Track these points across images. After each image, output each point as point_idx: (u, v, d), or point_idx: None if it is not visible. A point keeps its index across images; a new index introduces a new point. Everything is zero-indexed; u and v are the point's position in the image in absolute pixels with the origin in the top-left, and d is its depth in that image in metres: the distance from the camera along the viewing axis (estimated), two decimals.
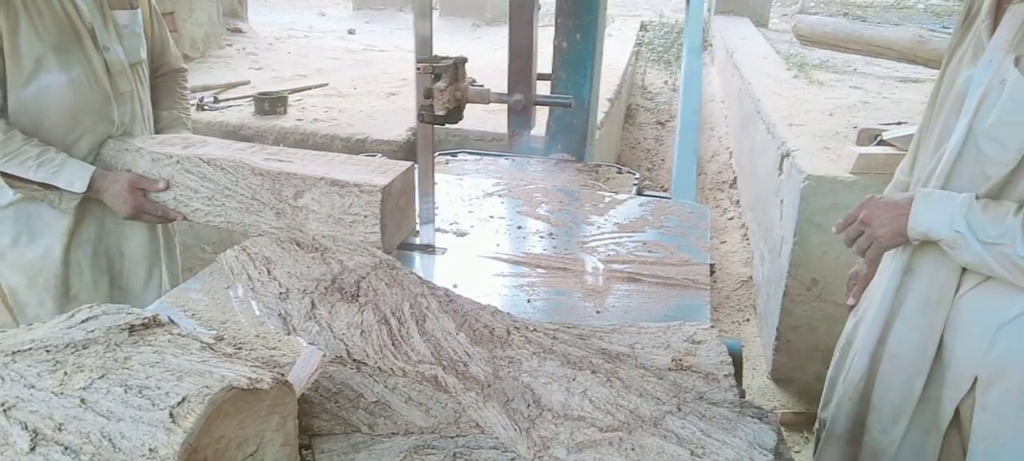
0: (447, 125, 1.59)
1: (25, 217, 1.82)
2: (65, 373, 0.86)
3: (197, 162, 1.69)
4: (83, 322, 0.95)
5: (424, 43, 1.55)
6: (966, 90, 1.34)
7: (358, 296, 1.16)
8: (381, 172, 1.61)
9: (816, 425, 1.81)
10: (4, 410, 0.84)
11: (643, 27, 9.45)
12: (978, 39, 1.35)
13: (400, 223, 1.65)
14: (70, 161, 1.73)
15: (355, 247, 1.35)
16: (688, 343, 1.08)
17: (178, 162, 1.72)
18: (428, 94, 1.52)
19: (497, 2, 8.04)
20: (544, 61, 2.39)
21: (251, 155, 1.71)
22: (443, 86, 1.51)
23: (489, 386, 1.00)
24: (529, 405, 0.96)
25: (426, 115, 1.55)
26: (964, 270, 1.36)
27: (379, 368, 1.09)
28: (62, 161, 1.72)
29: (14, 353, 0.92)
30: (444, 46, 1.58)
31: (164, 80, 2.12)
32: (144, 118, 1.97)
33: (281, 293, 1.22)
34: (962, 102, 1.35)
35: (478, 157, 2.41)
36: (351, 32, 6.99)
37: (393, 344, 1.09)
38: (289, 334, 1.20)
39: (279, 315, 1.20)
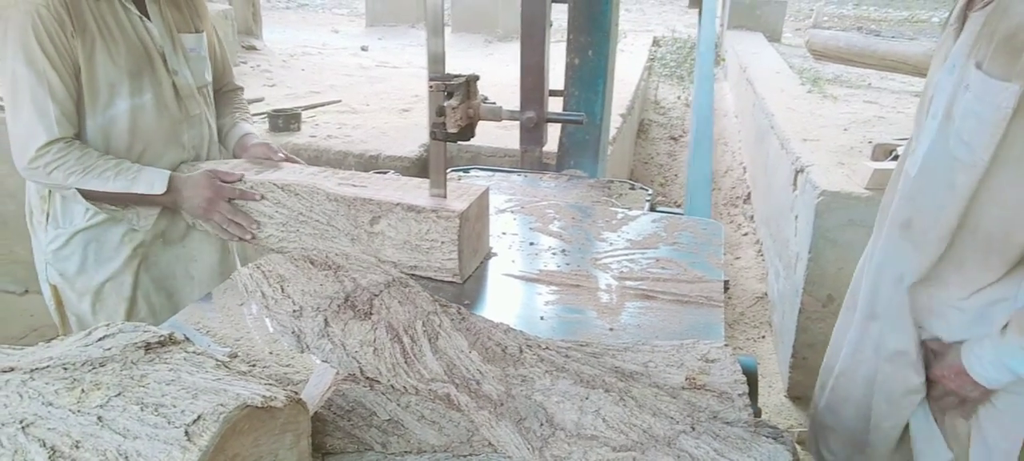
0: (459, 142, 1.60)
1: (94, 243, 1.83)
2: (82, 391, 0.87)
3: (271, 187, 1.69)
4: (100, 340, 0.96)
5: (437, 60, 1.56)
6: (933, 93, 1.40)
7: (371, 314, 1.17)
8: (457, 197, 1.60)
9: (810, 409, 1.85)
10: (23, 427, 0.85)
11: (656, 42, 9.48)
12: (947, 42, 1.40)
13: (475, 248, 1.64)
14: (146, 168, 1.74)
15: (369, 265, 1.35)
16: (702, 361, 1.08)
17: (252, 188, 1.71)
18: (440, 112, 1.53)
19: (509, 18, 8.09)
20: (556, 77, 2.40)
21: (324, 180, 1.70)
22: (455, 104, 1.52)
23: (502, 405, 1.00)
24: (542, 424, 0.96)
25: (438, 133, 1.56)
26: None
27: (392, 386, 1.09)
28: (139, 169, 1.73)
29: (33, 370, 0.93)
30: (456, 62, 1.59)
31: (223, 96, 2.15)
32: (212, 141, 1.99)
33: (295, 311, 1.23)
34: (928, 103, 1.41)
35: (490, 173, 2.42)
36: (364, 49, 7.05)
37: (406, 362, 1.09)
38: (303, 352, 1.20)
39: (293, 333, 1.20)
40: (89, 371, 0.90)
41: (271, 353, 1.31)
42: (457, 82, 1.54)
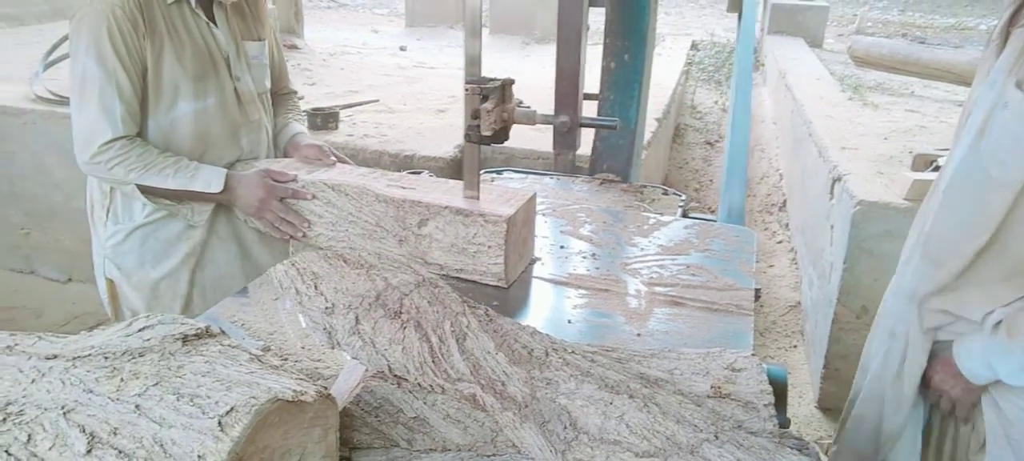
0: (492, 145, 1.62)
1: (152, 239, 1.88)
2: (121, 379, 0.90)
3: (321, 187, 1.72)
4: (140, 331, 0.99)
5: (473, 63, 1.57)
6: (972, 108, 1.37)
7: (401, 313, 1.19)
8: (504, 201, 1.61)
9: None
10: (64, 413, 0.88)
11: (694, 46, 9.39)
12: (990, 58, 1.38)
13: (521, 253, 1.65)
14: (204, 167, 1.79)
15: (399, 264, 1.38)
16: (728, 370, 1.08)
17: (303, 187, 1.75)
18: (475, 115, 1.54)
19: (547, 20, 8.08)
20: (592, 80, 2.40)
21: (373, 181, 1.73)
22: (490, 107, 1.53)
23: (526, 407, 1.01)
24: (566, 427, 0.96)
25: (473, 135, 1.58)
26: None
27: (419, 385, 1.11)
28: (197, 167, 1.78)
29: (75, 358, 0.96)
30: (493, 64, 1.60)
31: (278, 98, 2.20)
32: (269, 145, 2.04)
33: (327, 308, 1.25)
34: (966, 116, 1.40)
35: (523, 176, 2.43)
36: (403, 49, 7.11)
37: (433, 361, 1.11)
38: (334, 348, 1.22)
39: (324, 329, 1.23)
40: (128, 361, 0.93)
41: (303, 348, 1.34)
42: (492, 86, 1.55)
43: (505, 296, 1.56)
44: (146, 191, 1.76)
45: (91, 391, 0.90)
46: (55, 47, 4.23)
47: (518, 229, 1.58)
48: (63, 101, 3.63)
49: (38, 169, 3.71)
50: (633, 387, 1.00)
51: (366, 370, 1.16)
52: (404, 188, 1.68)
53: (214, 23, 1.82)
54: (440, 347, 1.12)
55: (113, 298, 1.96)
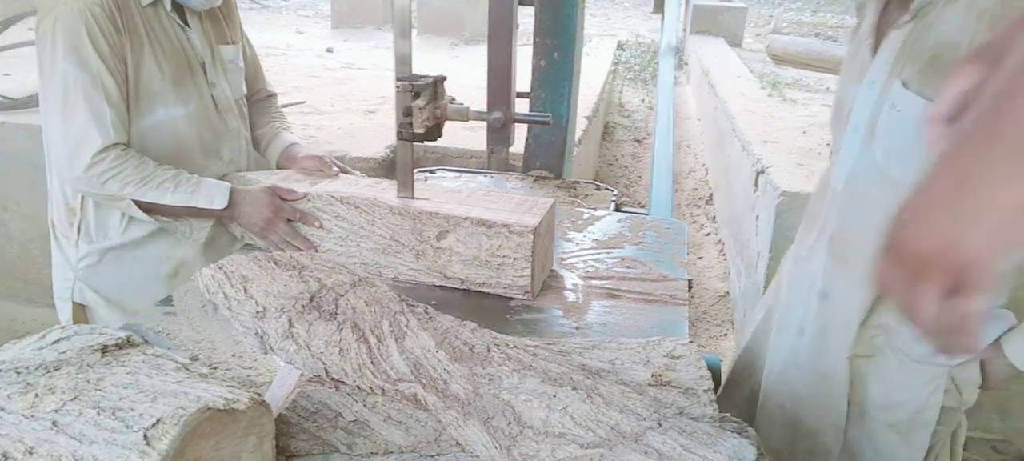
0: (426, 142, 1.59)
1: (132, 258, 1.75)
2: (36, 395, 0.84)
3: (329, 200, 1.62)
4: (55, 342, 0.93)
5: (404, 61, 1.55)
6: (851, 106, 1.36)
7: (336, 314, 1.15)
8: (526, 211, 1.55)
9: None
10: None
11: (620, 46, 9.55)
12: (862, 57, 1.36)
13: (544, 263, 1.58)
14: (205, 180, 1.67)
15: (333, 265, 1.33)
16: (668, 358, 1.09)
17: (309, 200, 1.64)
18: (407, 112, 1.52)
19: (475, 22, 8.08)
20: (522, 79, 2.40)
21: (383, 192, 1.65)
22: (422, 104, 1.51)
23: (469, 404, 1.00)
24: (510, 422, 0.95)
25: (405, 133, 1.55)
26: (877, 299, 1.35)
27: (358, 387, 1.08)
28: (198, 181, 1.66)
29: None
30: (423, 65, 1.58)
31: (258, 104, 2.09)
32: (248, 154, 1.94)
33: (258, 312, 1.20)
34: (845, 117, 1.38)
35: (457, 174, 2.41)
36: (329, 50, 6.97)
37: (372, 362, 1.08)
38: (266, 353, 1.18)
39: (256, 334, 1.18)
40: (43, 375, 0.87)
41: (233, 355, 1.29)
42: (424, 83, 1.53)
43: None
44: (142, 207, 1.64)
45: (2, 409, 0.84)
46: None
47: (542, 239, 1.52)
48: None
49: None
50: (576, 379, 1.00)
51: (302, 375, 1.12)
52: (417, 198, 1.61)
53: (188, 26, 1.72)
54: (378, 347, 1.09)
55: (80, 323, 1.82)
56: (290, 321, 1.15)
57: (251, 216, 1.66)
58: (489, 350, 1.08)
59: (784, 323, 1.57)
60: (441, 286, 1.56)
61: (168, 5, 1.67)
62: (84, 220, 1.72)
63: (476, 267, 1.51)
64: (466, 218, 1.50)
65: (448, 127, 1.64)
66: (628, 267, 1.69)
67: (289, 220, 1.65)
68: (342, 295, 1.19)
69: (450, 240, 1.51)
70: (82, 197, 1.70)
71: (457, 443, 1.00)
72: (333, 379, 1.09)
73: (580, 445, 0.90)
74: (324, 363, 1.09)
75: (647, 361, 1.07)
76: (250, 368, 1.25)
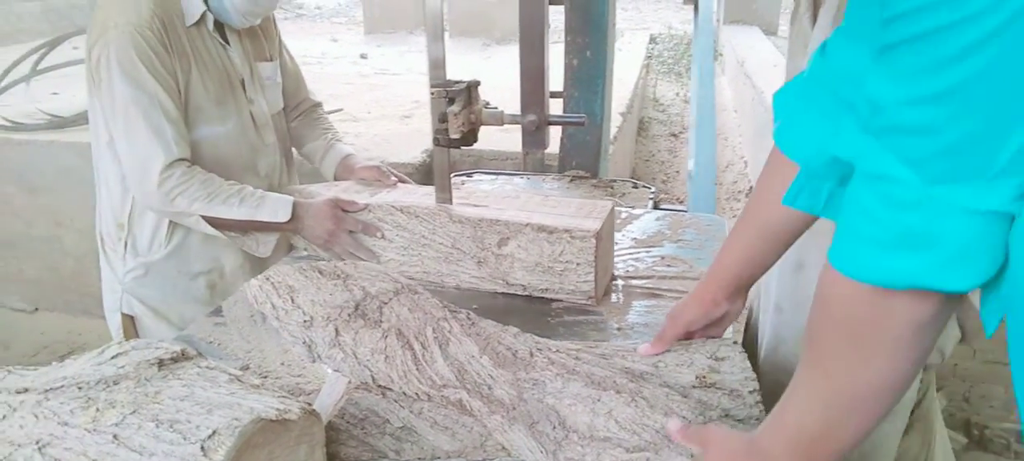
0: (461, 147, 1.61)
1: (175, 271, 1.79)
2: (97, 409, 0.87)
3: (390, 210, 1.63)
4: (113, 358, 0.96)
5: (437, 66, 1.56)
6: None
7: (381, 322, 1.17)
8: (586, 215, 1.53)
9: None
10: (39, 448, 0.86)
11: (652, 40, 9.48)
12: (804, 29, 1.41)
13: (606, 267, 1.57)
14: (269, 195, 1.70)
15: (377, 273, 1.35)
16: (711, 360, 1.08)
17: (370, 210, 1.66)
18: (442, 118, 1.53)
19: (506, 21, 8.09)
20: (555, 79, 2.40)
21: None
22: (457, 110, 1.53)
23: (514, 409, 1.01)
24: (555, 427, 0.96)
25: (441, 139, 1.57)
26: None
27: (404, 393, 1.09)
28: (262, 195, 1.69)
29: (46, 390, 0.93)
30: (455, 67, 1.59)
31: (304, 116, 2.10)
32: (283, 169, 1.97)
33: (305, 321, 1.23)
34: None
35: (493, 177, 2.42)
36: (363, 56, 7.06)
37: (417, 368, 1.10)
38: (314, 362, 1.21)
39: (304, 343, 1.21)
40: (103, 390, 0.91)
41: (282, 364, 1.31)
42: (458, 88, 1.54)
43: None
44: (211, 222, 1.67)
45: (66, 424, 0.87)
46: (7, 72, 4.12)
47: (603, 243, 1.51)
48: (18, 127, 3.54)
49: None
50: (619, 382, 1.00)
51: (349, 382, 1.15)
52: (477, 206, 1.60)
53: (228, 44, 1.76)
54: (423, 354, 1.10)
55: (129, 334, 1.86)
56: (337, 330, 1.17)
57: (314, 228, 1.68)
58: (532, 354, 1.09)
59: (765, 303, 1.60)
60: (503, 293, 1.56)
61: (210, 25, 1.70)
62: (131, 235, 1.76)
63: (538, 273, 1.51)
64: (527, 224, 1.49)
65: (483, 130, 1.65)
66: (668, 266, 1.68)
67: (351, 231, 1.67)
68: (386, 303, 1.20)
69: (511, 247, 1.51)
70: (130, 213, 1.75)
71: (503, 448, 1.01)
72: (380, 386, 1.11)
73: (626, 449, 0.91)
74: (371, 370, 1.11)
75: (691, 363, 1.07)
76: (299, 376, 1.27)
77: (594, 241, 1.44)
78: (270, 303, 1.30)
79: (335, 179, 2.00)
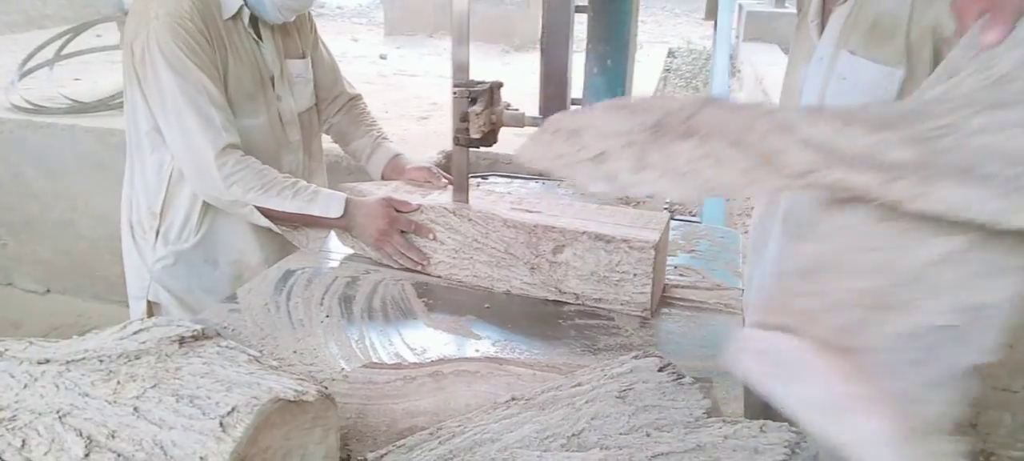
0: (481, 148, 1.62)
1: (202, 261, 1.80)
2: (118, 382, 0.89)
3: (442, 212, 1.62)
4: (135, 333, 0.98)
5: (461, 68, 1.58)
6: (802, 86, 1.42)
7: (692, 133, 0.86)
8: (643, 225, 1.51)
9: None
10: (60, 417, 0.87)
11: (671, 53, 9.49)
12: (809, 38, 1.43)
13: (659, 280, 1.54)
14: (322, 190, 1.69)
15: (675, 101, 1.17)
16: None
17: (422, 211, 1.65)
18: (464, 118, 1.55)
19: (526, 28, 8.13)
20: (574, 87, 2.42)
21: (492, 203, 1.64)
22: (479, 110, 1.54)
23: (926, 167, 0.70)
24: (1006, 165, 0.66)
25: (462, 138, 1.58)
26: None
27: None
28: (315, 190, 1.68)
29: (68, 362, 0.95)
30: (476, 71, 1.60)
31: (345, 112, 2.10)
32: (307, 166, 1.97)
33: (598, 155, 0.97)
34: (797, 97, 1.44)
35: (509, 180, 2.43)
36: (383, 57, 7.10)
37: (764, 164, 0.79)
38: (621, 194, 1.04)
39: (604, 178, 0.94)
40: (125, 363, 0.92)
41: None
42: (480, 88, 1.56)
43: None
44: (263, 214, 1.68)
45: (87, 395, 0.89)
46: (31, 56, 4.17)
47: (661, 253, 1.49)
48: (40, 110, 3.58)
49: (14, 179, 3.65)
50: None
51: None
52: (531, 212, 1.58)
53: (260, 39, 1.77)
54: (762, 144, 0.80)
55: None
56: (641, 153, 0.90)
57: (366, 227, 1.67)
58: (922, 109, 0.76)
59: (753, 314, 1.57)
60: (555, 301, 1.54)
61: (246, 20, 1.71)
62: (164, 224, 1.77)
63: (593, 283, 1.48)
64: (583, 232, 1.46)
65: (500, 133, 1.66)
66: (682, 275, 1.68)
67: (404, 231, 1.66)
68: (692, 115, 0.83)
69: (567, 254, 1.49)
70: (164, 201, 1.76)
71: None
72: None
73: None
74: (700, 179, 0.83)
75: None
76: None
77: (653, 252, 1.41)
78: (553, 152, 0.98)
79: (383, 178, 2.00)
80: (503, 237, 1.55)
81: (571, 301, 1.52)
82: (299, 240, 1.78)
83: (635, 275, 1.44)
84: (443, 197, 1.71)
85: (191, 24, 1.58)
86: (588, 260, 1.47)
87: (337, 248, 1.80)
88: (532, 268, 1.53)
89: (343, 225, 1.70)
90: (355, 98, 2.14)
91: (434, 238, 1.64)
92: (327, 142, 2.15)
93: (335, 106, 2.09)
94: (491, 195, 1.72)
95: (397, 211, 1.66)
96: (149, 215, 1.79)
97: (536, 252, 1.52)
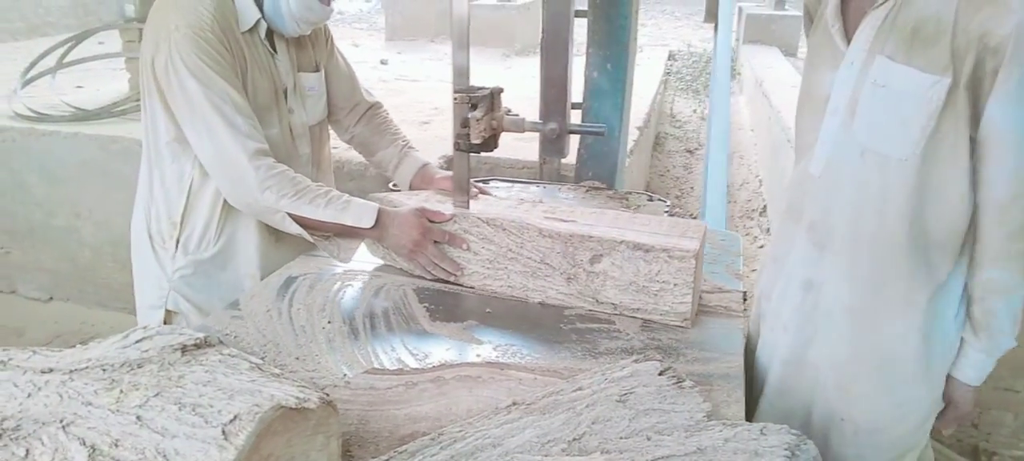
0: (482, 153, 1.62)
1: (221, 271, 1.79)
2: (121, 391, 0.89)
3: (476, 221, 1.60)
4: (137, 342, 0.98)
5: (461, 73, 1.59)
6: (829, 92, 1.37)
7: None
8: (681, 234, 1.49)
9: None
10: (63, 426, 0.87)
11: (671, 57, 9.50)
12: (832, 43, 1.38)
13: (698, 288, 1.52)
14: (355, 199, 1.67)
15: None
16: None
17: (455, 221, 1.63)
18: (465, 123, 1.55)
19: (526, 33, 8.14)
20: (574, 91, 2.42)
21: (524, 213, 1.63)
22: (479, 115, 1.54)
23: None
24: None
25: (462, 143, 1.59)
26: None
27: None
28: (348, 200, 1.67)
29: (71, 371, 0.95)
30: (476, 76, 1.61)
31: (366, 121, 2.08)
32: (318, 180, 1.93)
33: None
34: (823, 104, 1.38)
35: (510, 185, 2.44)
36: (383, 62, 7.11)
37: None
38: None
39: None
40: (127, 372, 0.93)
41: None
42: (481, 94, 1.56)
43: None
44: (298, 221, 1.66)
45: (90, 403, 0.89)
46: (33, 64, 4.18)
47: (699, 263, 1.46)
48: (42, 118, 3.59)
49: (17, 187, 3.66)
50: None
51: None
52: (566, 221, 1.56)
53: (275, 52, 1.77)
54: None
55: None
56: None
57: (399, 238, 1.65)
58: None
59: (774, 322, 1.55)
60: (592, 310, 1.52)
61: (263, 33, 1.71)
62: (184, 233, 1.77)
63: (632, 293, 1.46)
64: (621, 242, 1.45)
65: (501, 137, 1.66)
66: None
67: (437, 242, 1.65)
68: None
69: (605, 264, 1.46)
70: (184, 211, 1.75)
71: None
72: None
73: None
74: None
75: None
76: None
77: (693, 261, 1.40)
78: None
79: (411, 189, 1.99)
80: (539, 247, 1.53)
81: (609, 311, 1.50)
82: (330, 250, 1.77)
83: (675, 285, 1.42)
84: (476, 207, 1.68)
85: (211, 35, 1.59)
86: (627, 270, 1.45)
87: (365, 257, 1.77)
88: (569, 278, 1.51)
89: (375, 235, 1.68)
90: (375, 106, 2.13)
91: (468, 248, 1.62)
92: (352, 151, 2.12)
93: (355, 115, 2.08)
94: (523, 204, 1.69)
95: (430, 221, 1.65)
96: (169, 225, 1.78)
97: (573, 262, 1.49)
